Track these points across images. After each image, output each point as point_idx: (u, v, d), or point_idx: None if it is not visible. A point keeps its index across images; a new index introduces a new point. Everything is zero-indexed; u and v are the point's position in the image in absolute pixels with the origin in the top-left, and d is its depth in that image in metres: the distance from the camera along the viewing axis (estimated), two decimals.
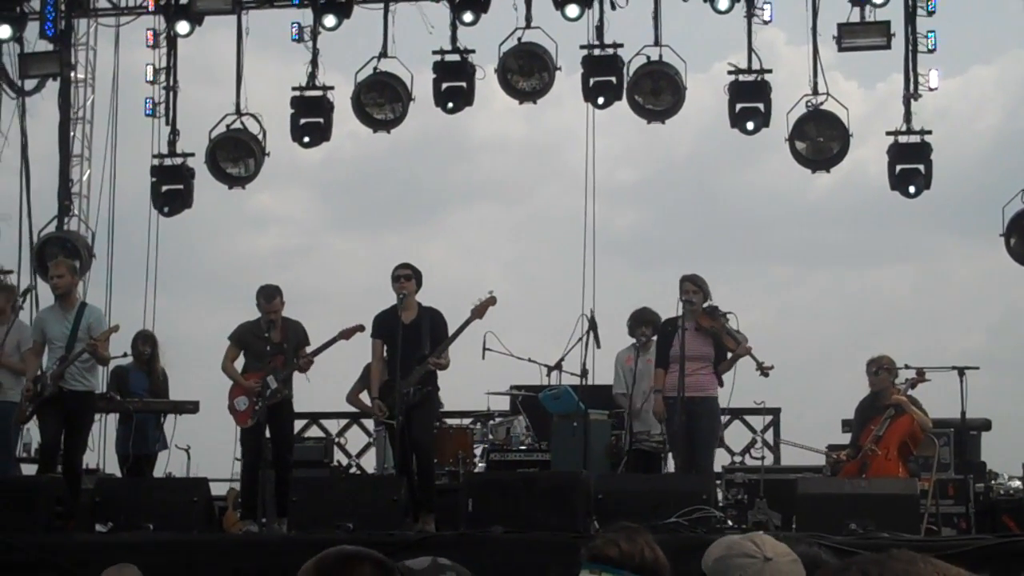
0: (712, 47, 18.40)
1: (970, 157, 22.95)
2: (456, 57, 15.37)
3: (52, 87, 16.31)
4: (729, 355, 11.69)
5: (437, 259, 23.89)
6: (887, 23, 14.68)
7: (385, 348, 11.69)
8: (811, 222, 24.03)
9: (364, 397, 12.72)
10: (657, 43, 15.10)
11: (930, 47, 14.69)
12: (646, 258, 24.91)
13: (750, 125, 14.90)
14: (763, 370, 11.55)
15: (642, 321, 12.66)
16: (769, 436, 14.95)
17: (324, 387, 13.73)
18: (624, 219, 24.91)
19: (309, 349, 11.90)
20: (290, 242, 25.97)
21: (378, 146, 19.23)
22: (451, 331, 11.58)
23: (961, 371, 11.81)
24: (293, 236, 26.26)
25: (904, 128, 14.87)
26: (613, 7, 15.00)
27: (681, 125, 19.53)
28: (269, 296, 11.83)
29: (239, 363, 12.01)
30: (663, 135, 17.88)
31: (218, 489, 12.82)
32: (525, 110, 15.72)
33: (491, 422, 13.78)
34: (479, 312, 11.63)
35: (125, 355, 13.18)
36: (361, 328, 11.84)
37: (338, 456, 15.31)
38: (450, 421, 13.96)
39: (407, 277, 11.60)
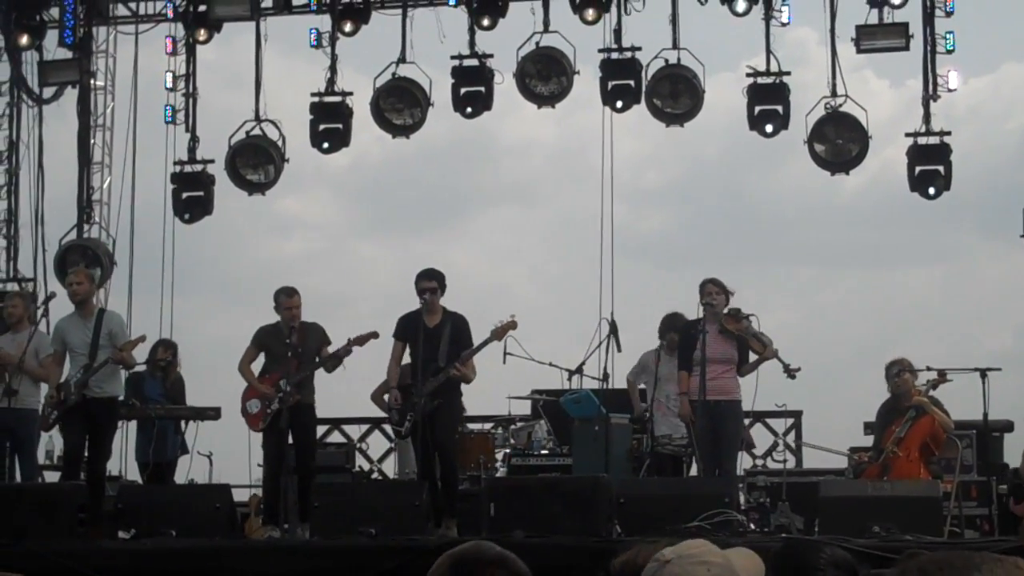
0: (734, 49, 18.36)
1: (999, 156, 22.81)
2: (474, 62, 15.36)
3: (71, 95, 16.36)
4: (754, 358, 11.66)
5: (462, 263, 23.87)
6: (905, 24, 14.63)
7: (407, 350, 11.71)
8: (837, 224, 23.91)
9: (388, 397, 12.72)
10: (675, 46, 15.09)
11: (948, 47, 14.63)
12: (672, 261, 24.88)
13: (769, 128, 14.86)
14: (790, 372, 11.52)
15: (672, 327, 12.57)
16: (791, 439, 14.92)
17: (345, 392, 13.74)
18: (650, 222, 24.89)
19: (328, 351, 11.90)
20: (315, 247, 25.98)
21: (403, 151, 19.18)
22: (473, 340, 11.60)
23: (983, 372, 11.73)
24: (318, 241, 26.28)
25: (923, 129, 14.82)
26: (627, 11, 14.99)
27: (707, 127, 19.46)
28: (289, 294, 11.84)
29: (259, 366, 12.02)
30: (689, 137, 17.82)
31: (240, 495, 12.86)
32: (550, 114, 15.75)
33: (512, 426, 13.80)
34: (499, 335, 11.67)
35: (145, 363, 13.23)
36: (375, 335, 11.86)
37: (360, 461, 15.34)
38: (472, 426, 13.96)
39: (428, 282, 11.60)
